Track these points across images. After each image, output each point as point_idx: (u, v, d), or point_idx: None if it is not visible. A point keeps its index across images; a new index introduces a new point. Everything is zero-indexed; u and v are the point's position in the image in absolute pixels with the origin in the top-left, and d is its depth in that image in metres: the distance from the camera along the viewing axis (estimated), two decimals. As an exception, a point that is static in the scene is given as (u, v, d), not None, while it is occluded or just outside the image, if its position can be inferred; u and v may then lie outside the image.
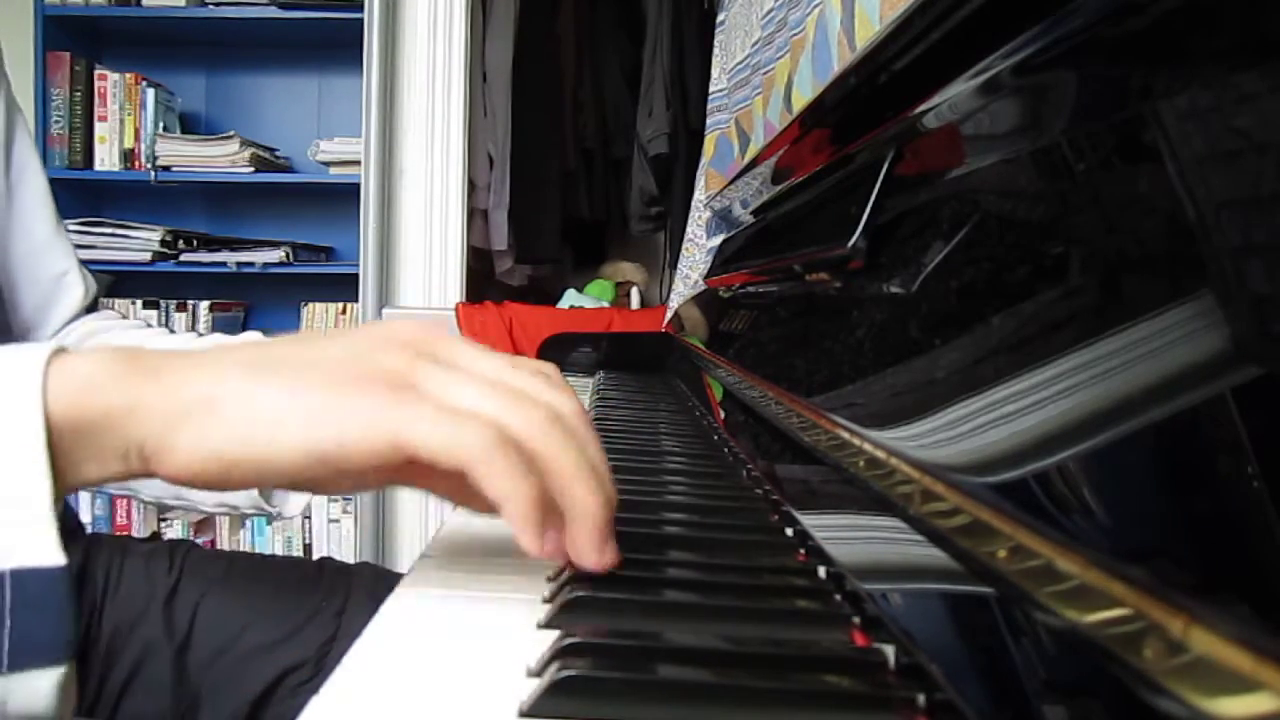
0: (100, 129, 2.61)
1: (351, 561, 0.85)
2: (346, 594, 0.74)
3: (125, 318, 0.87)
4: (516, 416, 0.35)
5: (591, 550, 0.36)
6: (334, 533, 2.55)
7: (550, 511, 0.35)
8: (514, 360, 0.39)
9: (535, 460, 0.35)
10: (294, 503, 0.77)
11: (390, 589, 0.39)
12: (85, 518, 2.50)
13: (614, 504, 0.37)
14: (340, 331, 0.38)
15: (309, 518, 2.55)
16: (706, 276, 1.25)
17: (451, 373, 0.36)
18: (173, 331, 0.88)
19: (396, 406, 0.34)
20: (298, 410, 0.34)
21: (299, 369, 0.35)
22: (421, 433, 0.33)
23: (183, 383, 0.34)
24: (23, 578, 0.32)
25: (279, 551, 2.50)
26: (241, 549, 2.47)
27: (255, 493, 0.74)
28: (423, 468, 0.34)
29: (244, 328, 2.79)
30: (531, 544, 0.34)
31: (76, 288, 0.81)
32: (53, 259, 0.79)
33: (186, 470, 0.34)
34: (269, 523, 2.56)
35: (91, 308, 0.84)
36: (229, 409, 0.34)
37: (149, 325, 0.86)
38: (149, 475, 0.35)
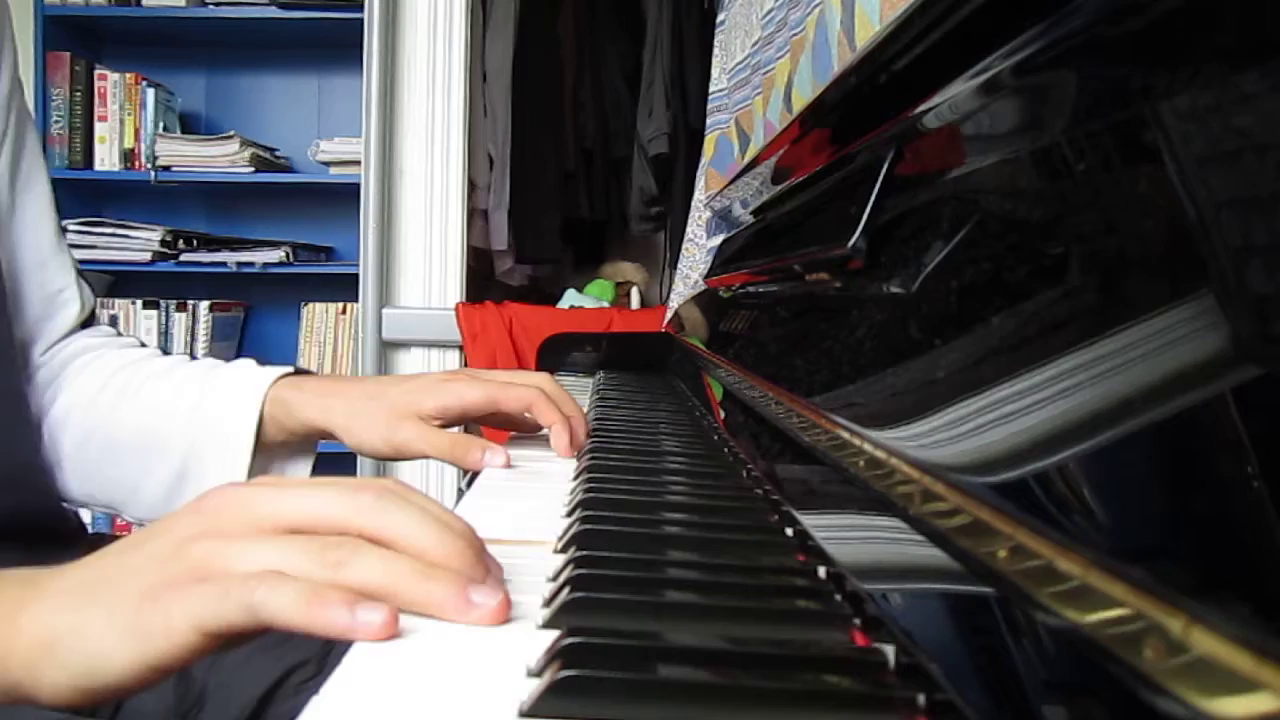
0: (100, 129, 2.61)
1: None
2: None
3: (120, 334, 0.85)
4: (301, 552, 0.36)
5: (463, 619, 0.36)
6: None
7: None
8: (322, 482, 0.40)
9: (345, 580, 0.35)
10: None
11: None
12: (85, 517, 2.50)
13: (461, 555, 0.37)
14: (161, 525, 0.39)
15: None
16: (706, 276, 1.25)
17: (247, 542, 0.37)
18: (163, 342, 0.88)
19: (190, 599, 0.35)
20: (112, 633, 0.36)
21: (117, 589, 0.37)
22: (211, 614, 0.34)
23: (31, 624, 0.37)
24: None
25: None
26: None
27: None
28: None
29: (244, 328, 2.79)
30: (372, 633, 0.34)
31: (73, 304, 0.80)
32: (52, 274, 0.78)
33: (58, 705, 0.38)
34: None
35: (87, 322, 0.83)
36: (63, 649, 0.37)
37: (141, 344, 0.85)
38: (38, 703, 0.38)
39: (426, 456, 0.70)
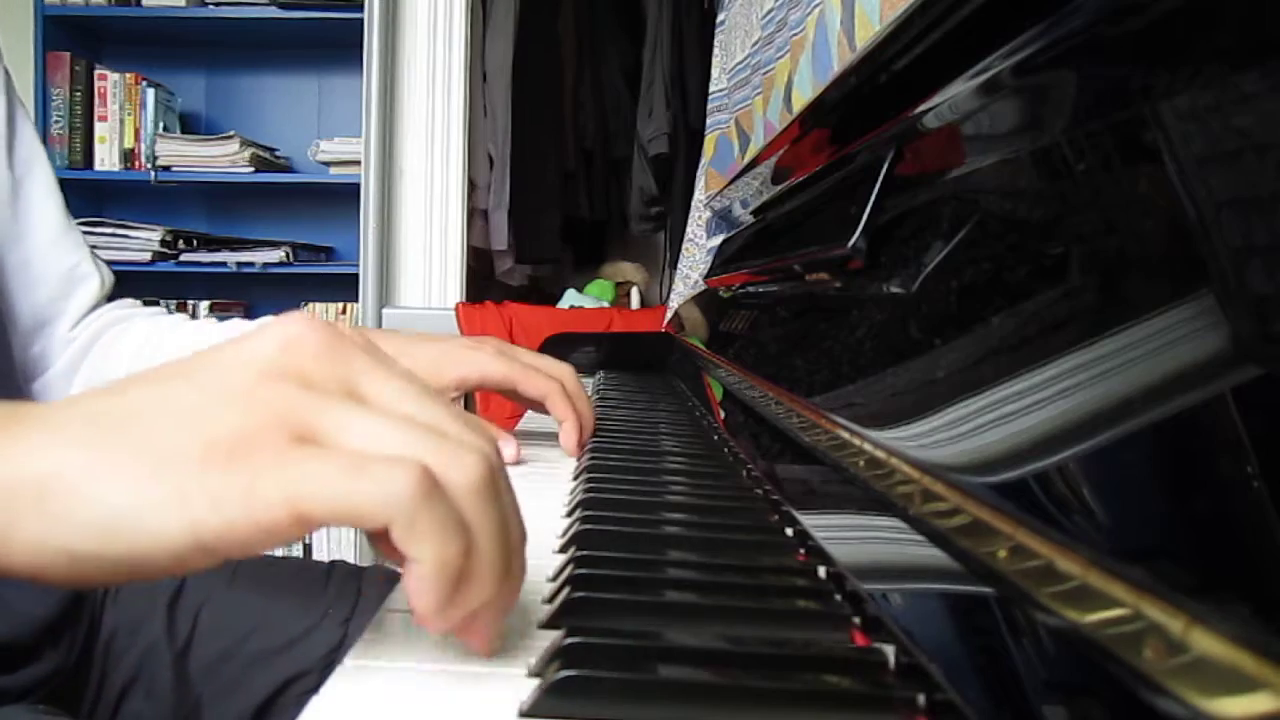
0: (100, 129, 2.61)
1: (356, 562, 0.84)
2: (355, 600, 0.74)
3: (148, 305, 0.87)
4: (447, 461, 0.28)
5: (482, 640, 0.31)
6: (334, 531, 2.55)
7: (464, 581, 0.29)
8: (424, 387, 0.31)
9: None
10: None
11: None
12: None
13: (520, 585, 0.31)
14: (217, 354, 0.30)
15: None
16: (706, 276, 1.25)
17: (352, 406, 0.29)
18: (194, 317, 0.89)
19: (284, 470, 0.27)
20: (157, 492, 0.27)
21: (160, 429, 0.28)
22: (324, 495, 0.27)
23: (18, 454, 0.27)
24: None
25: (279, 552, 2.50)
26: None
27: None
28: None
29: (244, 328, 2.79)
30: (433, 619, 0.28)
31: (92, 278, 0.82)
32: (64, 251, 0.80)
33: (31, 567, 0.27)
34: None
35: (110, 297, 0.84)
36: (74, 496, 0.27)
37: (170, 312, 0.87)
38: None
39: None
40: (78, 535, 0.27)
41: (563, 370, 0.72)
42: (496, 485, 0.29)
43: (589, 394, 0.75)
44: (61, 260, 0.79)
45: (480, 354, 0.70)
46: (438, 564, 0.27)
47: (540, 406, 0.72)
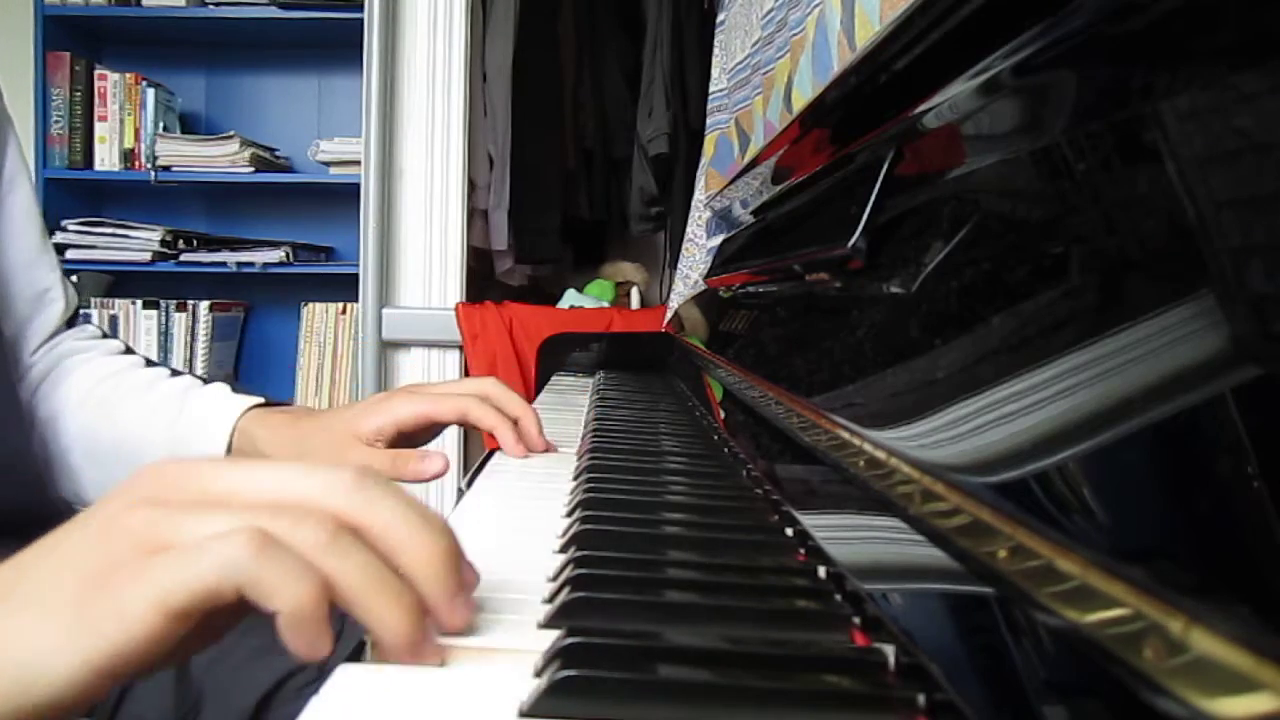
0: (100, 129, 2.61)
1: None
2: None
3: (106, 335, 0.86)
4: (286, 524, 0.31)
5: (407, 656, 0.32)
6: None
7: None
8: (277, 471, 0.34)
9: (325, 566, 0.31)
10: None
11: None
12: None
13: (444, 590, 0.33)
14: (93, 510, 0.33)
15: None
16: (706, 276, 1.25)
17: (203, 509, 0.32)
18: (163, 342, 0.88)
19: (142, 575, 0.29)
20: (53, 636, 0.29)
21: (43, 583, 0.31)
22: (179, 585, 0.29)
23: None
24: None
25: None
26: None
27: None
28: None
29: (244, 328, 2.79)
30: (313, 650, 0.30)
31: (58, 303, 0.81)
32: (38, 274, 0.79)
33: None
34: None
35: (71, 321, 0.83)
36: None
37: (128, 349, 0.85)
38: None
39: None
40: (5, 691, 0.29)
41: (481, 385, 0.72)
42: (342, 537, 0.31)
43: (589, 394, 0.75)
44: (35, 282, 0.79)
45: (389, 401, 0.71)
46: (293, 608, 0.30)
47: (488, 436, 0.72)
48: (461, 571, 0.34)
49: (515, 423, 0.71)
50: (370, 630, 0.32)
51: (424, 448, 0.71)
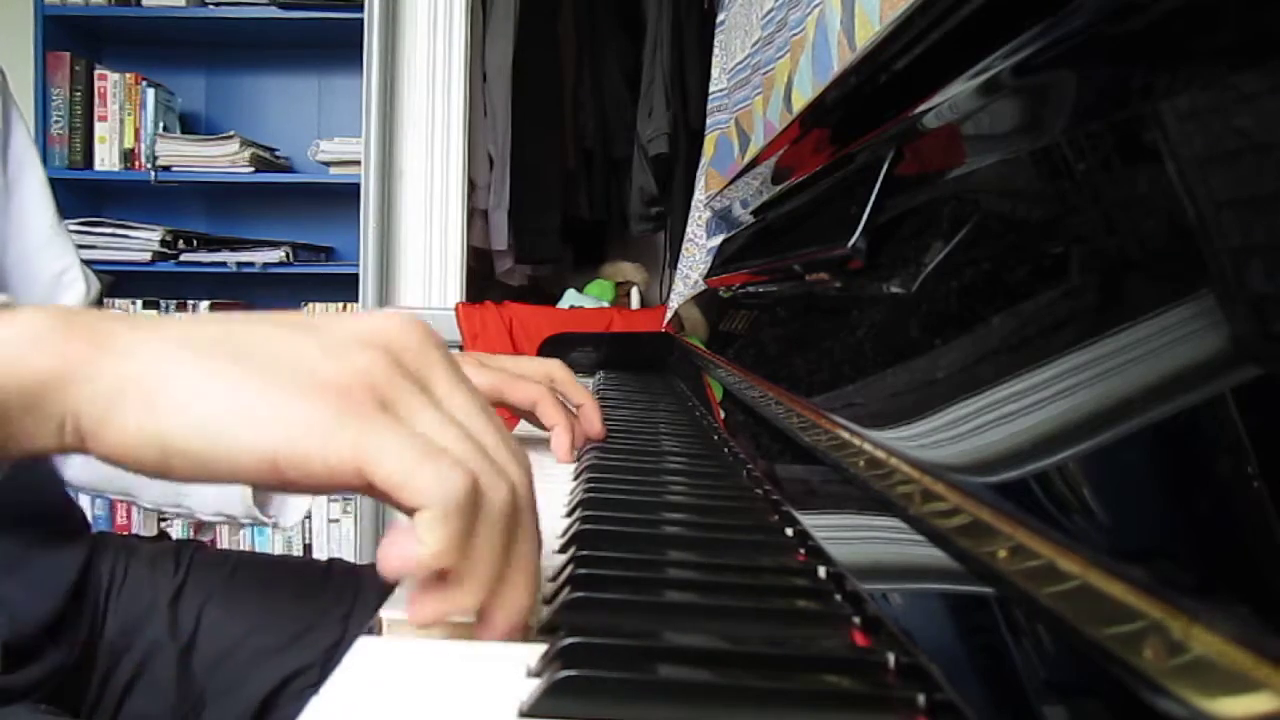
0: (100, 129, 2.61)
1: (354, 561, 0.85)
2: (355, 597, 0.74)
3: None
4: (488, 481, 0.32)
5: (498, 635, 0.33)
6: (334, 532, 2.56)
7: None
8: (485, 404, 0.35)
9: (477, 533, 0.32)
10: (292, 511, 0.78)
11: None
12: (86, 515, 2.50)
13: (532, 604, 0.34)
14: (317, 319, 0.34)
15: (309, 518, 2.55)
16: (706, 276, 1.25)
17: (429, 400, 0.32)
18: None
19: (365, 427, 0.30)
20: (256, 409, 0.30)
21: (263, 360, 0.31)
22: (389, 465, 0.30)
23: (127, 354, 0.31)
24: None
25: (279, 552, 2.50)
26: (243, 549, 2.47)
27: (250, 503, 0.74)
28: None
29: (244, 328, 2.79)
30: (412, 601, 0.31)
31: (77, 284, 0.81)
32: (52, 256, 0.79)
33: (123, 451, 0.30)
34: (269, 523, 2.56)
35: (98, 305, 0.84)
36: (179, 393, 0.30)
37: None
38: (84, 452, 0.31)
39: None
40: (178, 429, 0.30)
41: (549, 366, 0.71)
42: (517, 514, 0.33)
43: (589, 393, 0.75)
44: (51, 264, 0.79)
45: (463, 368, 0.70)
46: (433, 556, 0.30)
47: (532, 416, 0.71)
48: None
49: (578, 409, 0.70)
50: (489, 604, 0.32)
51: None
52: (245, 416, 0.30)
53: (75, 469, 0.78)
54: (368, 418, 0.30)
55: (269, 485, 0.31)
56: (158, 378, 0.30)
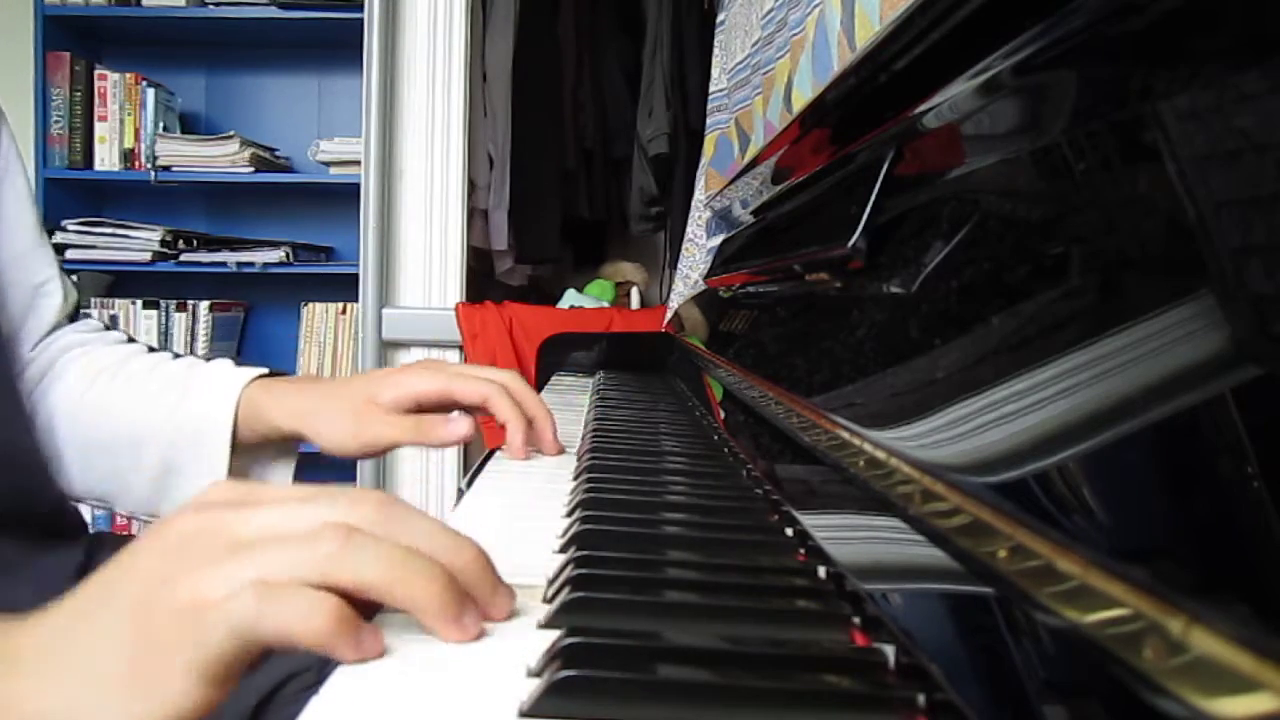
0: (100, 129, 2.61)
1: None
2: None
3: (108, 328, 0.86)
4: (284, 551, 0.32)
5: (453, 630, 0.34)
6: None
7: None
8: (307, 492, 0.36)
9: (341, 576, 0.32)
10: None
11: None
12: (86, 514, 2.50)
13: (472, 566, 0.34)
14: (131, 554, 0.35)
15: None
16: (706, 276, 1.25)
17: (215, 566, 0.33)
18: (163, 342, 0.87)
19: (175, 654, 0.32)
20: (109, 702, 0.32)
21: (101, 658, 0.33)
22: (204, 658, 0.31)
23: (16, 706, 0.33)
24: None
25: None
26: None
27: None
28: None
29: (244, 328, 2.79)
30: (352, 657, 0.32)
31: (55, 295, 0.80)
32: (34, 267, 0.78)
33: None
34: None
35: (73, 316, 0.83)
36: None
37: (131, 340, 0.85)
38: None
39: (396, 444, 0.70)
40: None
41: (504, 375, 0.71)
42: (354, 538, 0.32)
43: (589, 394, 0.75)
44: (32, 275, 0.78)
45: (411, 372, 0.70)
46: (317, 636, 0.31)
47: (495, 422, 0.71)
48: (495, 576, 0.36)
49: (530, 423, 0.71)
50: (410, 612, 0.33)
51: (444, 415, 0.70)
52: (112, 709, 0.32)
53: (64, 476, 0.78)
54: (170, 653, 0.31)
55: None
56: (40, 716, 0.33)
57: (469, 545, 0.35)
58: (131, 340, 0.84)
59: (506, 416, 0.69)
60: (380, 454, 0.72)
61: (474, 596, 0.34)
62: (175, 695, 0.31)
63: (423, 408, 0.71)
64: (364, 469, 2.02)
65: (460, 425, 0.67)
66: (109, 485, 0.79)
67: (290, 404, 0.73)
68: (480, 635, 0.34)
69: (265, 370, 0.77)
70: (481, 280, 2.33)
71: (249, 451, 0.77)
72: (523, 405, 0.70)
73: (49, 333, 0.80)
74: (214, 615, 0.31)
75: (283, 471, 0.81)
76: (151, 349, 0.84)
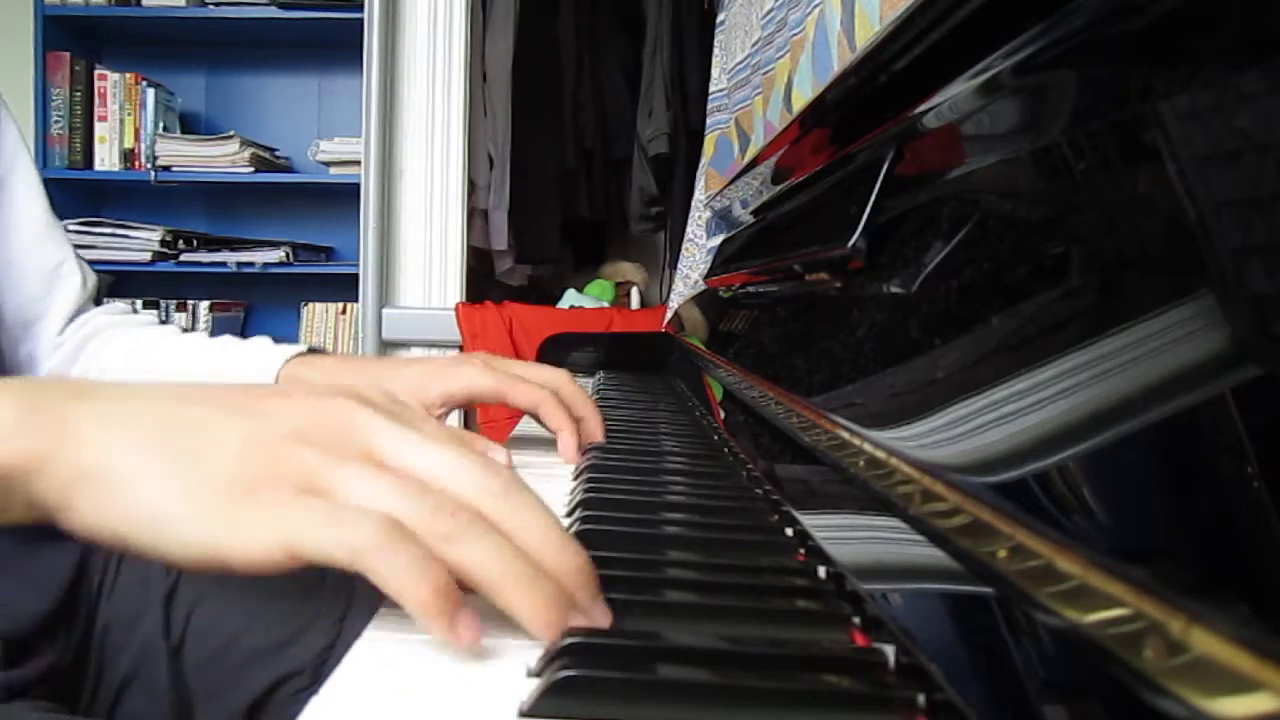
0: (100, 129, 2.61)
1: None
2: (349, 599, 0.74)
3: (136, 312, 0.87)
4: (427, 515, 0.33)
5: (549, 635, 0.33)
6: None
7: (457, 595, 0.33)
8: (450, 438, 0.36)
9: (452, 554, 0.32)
10: None
11: None
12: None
13: (578, 574, 0.34)
14: (277, 395, 0.36)
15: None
16: (706, 276, 1.25)
17: (364, 470, 0.34)
18: (194, 317, 0.88)
19: (290, 512, 0.32)
20: (188, 508, 0.33)
21: (203, 454, 0.34)
22: (310, 539, 0.32)
23: (83, 444, 0.34)
24: None
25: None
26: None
27: None
28: None
29: (244, 328, 2.79)
30: (443, 635, 0.32)
31: (74, 277, 0.81)
32: (48, 250, 0.79)
33: (84, 533, 0.34)
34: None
35: (97, 301, 0.84)
36: (122, 489, 0.33)
37: (166, 316, 0.87)
38: (57, 523, 0.34)
39: None
40: (124, 523, 0.33)
41: (556, 377, 0.71)
42: (476, 526, 0.33)
43: (590, 394, 0.75)
44: (45, 259, 0.79)
45: (466, 369, 0.70)
46: (411, 601, 0.31)
47: (499, 420, 0.72)
48: (597, 585, 0.35)
49: (579, 421, 0.71)
50: (511, 614, 0.33)
51: (481, 436, 0.70)
52: (180, 517, 0.33)
53: None
54: (286, 505, 0.32)
55: (222, 571, 0.33)
56: (105, 474, 0.33)
57: (577, 551, 0.35)
58: (180, 309, 0.86)
59: (558, 425, 0.68)
60: None
61: (574, 603, 0.34)
62: (254, 542, 0.32)
63: (473, 405, 0.71)
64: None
65: (498, 457, 0.67)
66: None
67: (332, 382, 0.73)
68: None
69: (304, 348, 0.77)
70: (481, 280, 2.33)
71: None
72: (572, 407, 0.70)
73: (75, 314, 0.80)
74: (346, 519, 0.31)
75: None
76: (184, 330, 0.84)
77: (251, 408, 0.35)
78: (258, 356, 0.77)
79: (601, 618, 0.34)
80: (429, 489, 0.34)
